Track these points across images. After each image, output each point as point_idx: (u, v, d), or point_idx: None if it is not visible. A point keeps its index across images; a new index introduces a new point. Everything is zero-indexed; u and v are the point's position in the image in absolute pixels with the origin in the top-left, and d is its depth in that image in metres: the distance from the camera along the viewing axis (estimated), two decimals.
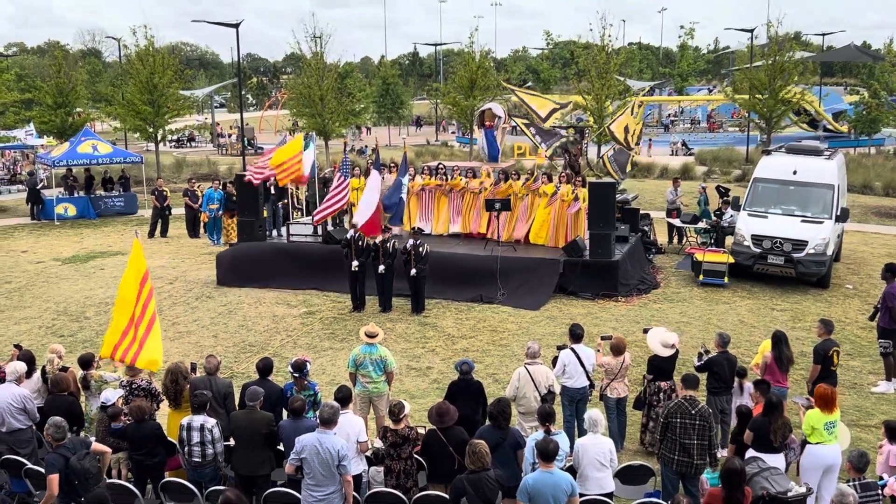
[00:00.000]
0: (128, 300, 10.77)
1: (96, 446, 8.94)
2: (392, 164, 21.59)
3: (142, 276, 10.90)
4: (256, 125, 69.76)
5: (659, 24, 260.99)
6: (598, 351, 11.62)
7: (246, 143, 46.91)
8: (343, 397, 9.48)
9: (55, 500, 8.59)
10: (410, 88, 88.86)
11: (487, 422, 9.36)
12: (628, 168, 24.55)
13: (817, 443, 9.45)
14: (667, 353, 11.26)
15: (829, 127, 54.59)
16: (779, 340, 11.49)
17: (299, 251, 20.48)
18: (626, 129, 23.85)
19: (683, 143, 53.90)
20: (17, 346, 11.77)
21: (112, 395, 10.13)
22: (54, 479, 8.54)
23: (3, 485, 10.12)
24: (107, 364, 11.72)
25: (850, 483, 8.52)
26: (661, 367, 11.32)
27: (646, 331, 11.75)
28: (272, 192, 22.56)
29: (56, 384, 10.35)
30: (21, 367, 10.65)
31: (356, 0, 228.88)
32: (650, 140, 50.81)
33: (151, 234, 26.67)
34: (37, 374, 11.10)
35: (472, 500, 8.01)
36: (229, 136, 60.66)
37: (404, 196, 20.29)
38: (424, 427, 9.58)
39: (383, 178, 20.58)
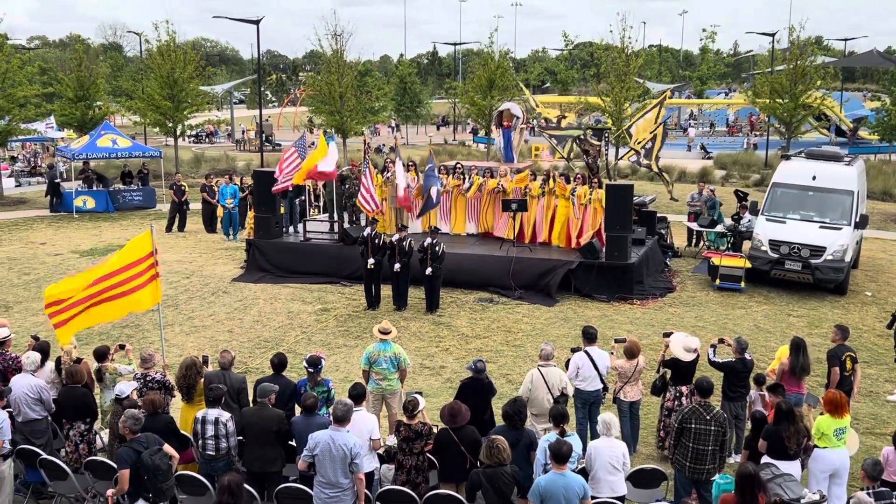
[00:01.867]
0: (96, 272, 10.95)
1: (168, 448, 8.89)
2: (410, 164, 21.57)
3: (137, 262, 11.08)
4: (275, 122, 69.98)
5: (680, 26, 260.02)
6: (612, 354, 11.59)
7: (264, 139, 47.05)
8: (357, 394, 9.49)
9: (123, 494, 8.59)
10: (429, 87, 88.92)
11: (501, 421, 9.35)
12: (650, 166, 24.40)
13: (825, 447, 9.41)
14: (689, 357, 11.20)
15: (846, 130, 54.23)
16: (797, 347, 11.41)
17: (316, 248, 20.53)
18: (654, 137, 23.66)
19: (702, 147, 53.66)
20: (35, 338, 11.85)
21: (126, 387, 10.18)
22: (125, 474, 8.51)
23: (18, 474, 10.19)
24: (121, 357, 11.79)
25: (864, 491, 8.45)
26: (681, 370, 11.26)
27: (667, 335, 11.69)
28: (289, 188, 22.58)
29: (71, 375, 10.41)
30: (37, 357, 10.74)
31: None
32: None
33: (169, 229, 26.80)
34: (49, 365, 11.17)
35: (487, 495, 8.03)
36: (245, 131, 60.87)
37: (434, 191, 20.36)
38: (437, 426, 9.58)
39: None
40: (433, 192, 19.99)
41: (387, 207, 21.37)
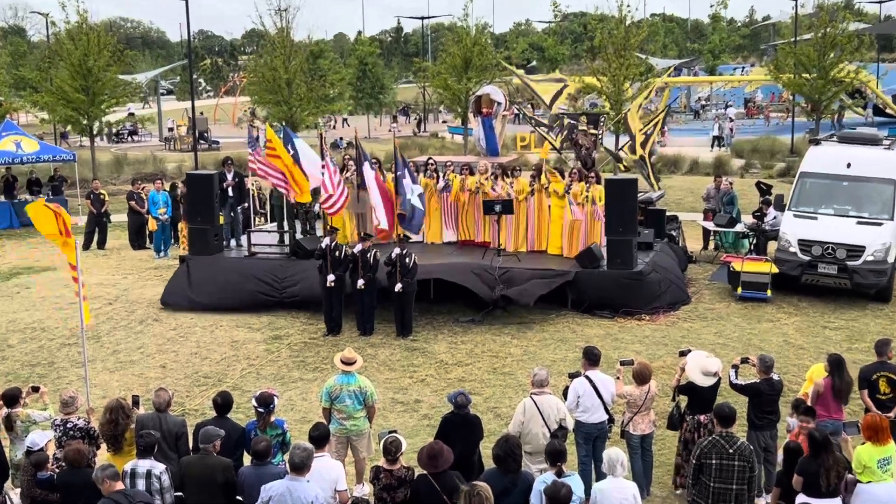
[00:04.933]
0: None
1: None
2: (374, 161, 21.59)
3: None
4: (210, 115, 69.79)
5: None
6: (619, 379, 11.66)
7: (198, 136, 46.91)
8: (319, 436, 9.50)
9: None
10: (394, 70, 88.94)
11: (491, 464, 9.36)
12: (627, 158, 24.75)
13: (869, 481, 9.50)
14: (707, 382, 11.27)
15: (889, 111, 54.96)
16: (836, 366, 11.53)
17: (262, 264, 20.48)
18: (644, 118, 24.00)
19: (719, 132, 53.65)
20: None
21: (40, 438, 10.09)
22: None
23: None
24: (34, 401, 11.71)
25: None
26: (700, 396, 11.34)
27: (683, 353, 11.78)
28: (230, 194, 22.54)
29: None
30: None
31: None
32: (663, 129, 50.08)
33: (87, 246, 26.57)
34: None
35: None
36: (178, 127, 60.76)
37: (417, 202, 20.28)
38: (413, 469, 9.60)
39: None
40: (415, 198, 19.95)
41: (346, 213, 21.35)
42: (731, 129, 52.38)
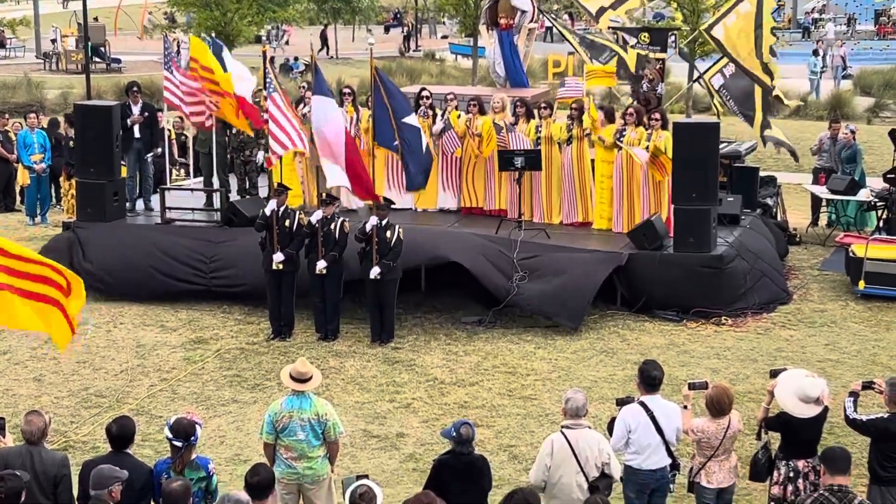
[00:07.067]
0: None
1: None
2: (346, 92, 21.49)
3: None
4: (110, 22, 69.51)
5: None
6: (686, 408, 11.67)
7: (91, 51, 46.77)
8: (259, 483, 9.49)
9: None
10: None
11: None
12: (759, 107, 24.53)
13: None
14: (806, 412, 11.24)
15: None
16: None
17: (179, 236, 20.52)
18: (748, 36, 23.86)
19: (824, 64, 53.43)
20: None
21: None
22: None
23: None
24: None
25: None
26: (795, 432, 11.34)
27: (774, 374, 11.77)
28: (137, 135, 22.47)
29: None
30: None
31: None
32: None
33: None
34: None
35: None
36: (63, 38, 60.65)
37: (424, 141, 20.36)
38: None
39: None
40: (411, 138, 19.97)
41: (305, 164, 21.34)
42: (843, 58, 51.78)
